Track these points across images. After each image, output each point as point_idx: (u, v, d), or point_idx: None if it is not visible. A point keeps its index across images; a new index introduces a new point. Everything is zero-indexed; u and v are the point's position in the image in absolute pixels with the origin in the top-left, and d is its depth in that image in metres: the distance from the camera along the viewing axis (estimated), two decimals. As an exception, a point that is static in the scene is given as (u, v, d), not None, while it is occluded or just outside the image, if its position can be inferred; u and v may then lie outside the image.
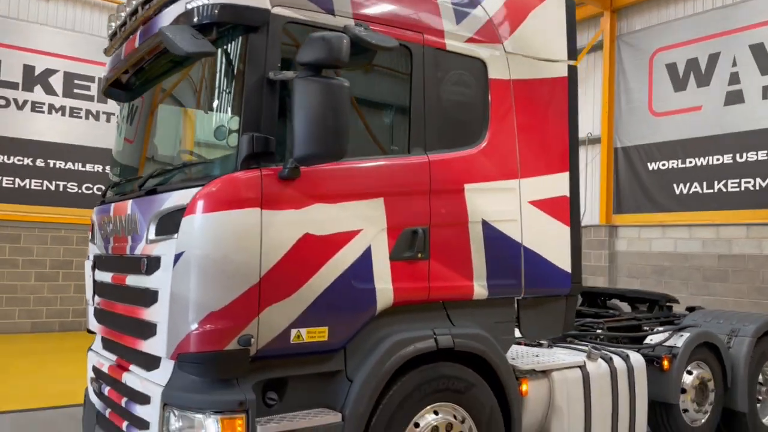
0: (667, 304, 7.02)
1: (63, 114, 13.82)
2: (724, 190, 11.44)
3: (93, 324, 4.68)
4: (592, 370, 4.98)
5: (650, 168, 12.60)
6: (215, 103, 3.83)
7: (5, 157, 13.12)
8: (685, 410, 5.82)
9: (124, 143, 4.86)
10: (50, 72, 13.69)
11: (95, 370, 4.58)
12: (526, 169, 4.62)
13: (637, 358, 5.36)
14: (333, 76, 3.44)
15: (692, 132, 11.95)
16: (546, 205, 4.72)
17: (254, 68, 3.53)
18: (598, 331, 6.01)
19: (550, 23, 4.86)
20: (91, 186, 13.95)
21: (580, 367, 4.92)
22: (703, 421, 5.94)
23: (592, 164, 13.60)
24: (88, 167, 13.98)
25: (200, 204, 3.40)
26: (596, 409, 4.94)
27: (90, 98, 14.09)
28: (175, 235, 3.47)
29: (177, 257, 3.43)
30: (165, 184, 3.85)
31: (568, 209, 4.85)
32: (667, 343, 5.84)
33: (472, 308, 4.36)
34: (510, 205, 4.52)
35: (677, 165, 12.18)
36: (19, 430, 6.40)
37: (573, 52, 4.95)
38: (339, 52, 3.39)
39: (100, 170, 14.03)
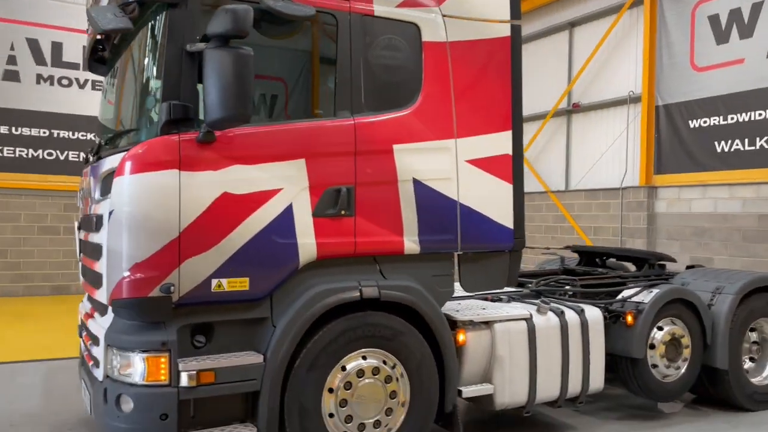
0: (659, 262, 6.94)
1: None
2: (767, 146, 10.92)
3: (80, 279, 5.26)
4: (539, 323, 5.13)
5: (691, 126, 12.13)
6: (145, 75, 4.21)
7: (71, 132, 14.19)
8: (654, 365, 5.84)
9: (99, 113, 5.38)
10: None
11: (81, 319, 5.17)
12: (463, 129, 4.77)
13: (592, 313, 5.45)
14: (238, 46, 3.73)
15: (734, 87, 11.40)
16: (486, 164, 4.87)
17: (174, 42, 3.89)
18: (567, 287, 6.08)
19: (490, -17, 4.93)
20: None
21: (525, 319, 5.07)
22: (676, 377, 5.93)
23: (634, 123, 13.22)
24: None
25: (125, 166, 3.83)
26: (543, 360, 5.10)
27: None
28: (109, 195, 3.91)
29: (110, 215, 3.88)
30: (108, 150, 4.31)
31: (510, 167, 4.97)
32: (636, 299, 5.86)
33: (407, 262, 4.61)
34: (445, 164, 4.69)
35: (719, 122, 11.67)
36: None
37: (516, 11, 5.01)
38: (241, 23, 3.69)
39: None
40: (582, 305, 5.52)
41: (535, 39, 15.92)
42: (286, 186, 4.13)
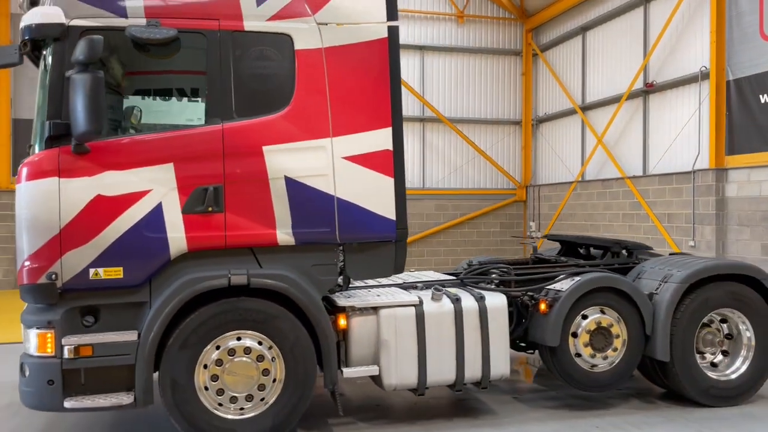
0: (625, 250, 6.69)
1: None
2: (840, 119, 9.77)
3: None
4: (429, 309, 5.31)
5: (762, 101, 11.08)
6: (40, 97, 4.97)
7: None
8: (578, 354, 5.73)
9: None
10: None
11: None
12: (339, 128, 5.10)
13: (493, 300, 5.50)
14: (92, 70, 4.41)
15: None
16: (366, 160, 5.16)
17: (56, 69, 4.66)
18: (493, 276, 6.12)
19: (370, -12, 5.19)
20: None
21: (414, 305, 5.29)
22: (607, 367, 5.77)
23: (706, 101, 12.28)
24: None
25: (20, 176, 4.67)
26: (433, 345, 5.29)
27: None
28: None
29: (17, 215, 4.75)
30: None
31: (391, 162, 5.21)
32: (557, 288, 5.78)
33: (284, 253, 5.06)
34: (320, 162, 5.06)
35: (790, 95, 10.60)
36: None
37: (392, 12, 5.23)
38: (91, 51, 4.38)
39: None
40: (485, 292, 5.59)
41: (607, 20, 15.24)
42: (155, 187, 4.75)
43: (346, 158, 5.12)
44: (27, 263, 4.63)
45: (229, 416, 4.89)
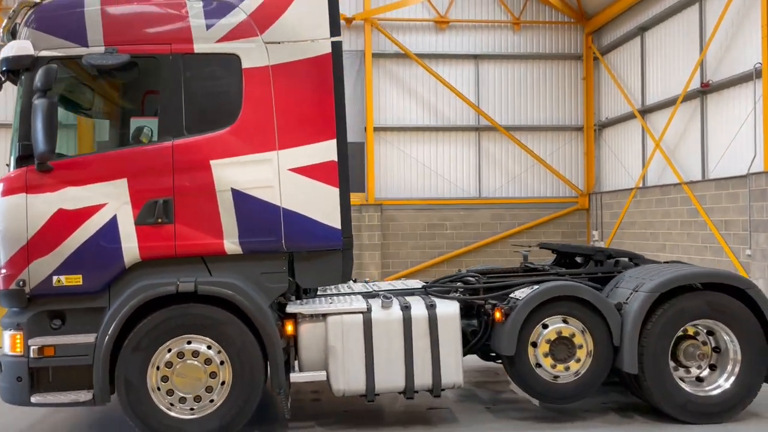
0: (608, 258, 6.44)
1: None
2: None
3: None
4: (377, 317, 5.39)
5: (817, 97, 10.27)
6: (16, 120, 5.44)
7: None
8: (539, 365, 5.58)
9: None
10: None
11: None
12: (285, 141, 5.33)
13: (444, 308, 5.48)
14: (48, 97, 4.88)
15: None
16: (311, 171, 5.35)
17: (27, 96, 5.16)
18: (458, 284, 6.09)
19: (312, 7, 5.39)
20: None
21: (362, 313, 5.38)
22: (570, 378, 5.59)
23: (761, 100, 11.50)
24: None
25: None
26: (380, 352, 5.36)
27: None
28: None
29: None
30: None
31: (336, 172, 5.36)
32: (517, 296, 5.68)
33: (234, 262, 5.32)
34: (266, 174, 5.30)
35: None
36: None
37: (336, 29, 5.40)
38: (44, 79, 4.87)
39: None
40: (438, 300, 5.59)
41: (664, 19, 14.59)
42: (110, 201, 5.16)
43: (292, 170, 5.33)
44: (1, 271, 5.15)
45: (180, 416, 5.18)
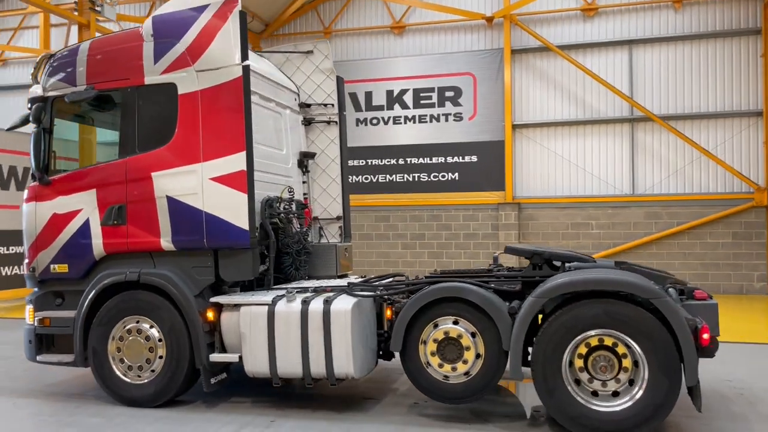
0: (546, 262, 6.10)
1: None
2: None
3: None
4: (279, 309, 6.00)
5: None
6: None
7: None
8: (428, 364, 5.64)
9: None
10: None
11: None
12: (208, 154, 6.24)
13: (339, 304, 5.84)
14: (37, 128, 6.46)
15: None
16: (226, 179, 6.18)
17: (40, 125, 6.83)
18: (382, 283, 6.36)
19: (228, 37, 6.20)
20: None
21: (268, 305, 6.05)
22: (461, 379, 5.57)
23: None
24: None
25: (22, 199, 6.95)
26: (281, 340, 5.96)
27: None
28: None
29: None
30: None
31: (245, 180, 6.11)
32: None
33: (172, 257, 6.39)
34: (192, 183, 6.26)
35: None
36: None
37: (245, 53, 6.14)
38: (33, 114, 6.46)
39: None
40: (339, 298, 5.97)
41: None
42: (84, 207, 6.57)
43: (212, 179, 6.21)
44: (25, 259, 6.89)
45: (129, 381, 6.40)
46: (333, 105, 8.29)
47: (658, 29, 16.35)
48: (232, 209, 6.16)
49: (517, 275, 6.21)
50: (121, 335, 6.43)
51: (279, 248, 6.99)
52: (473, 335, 5.64)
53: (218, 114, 6.23)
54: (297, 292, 6.23)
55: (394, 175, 17.93)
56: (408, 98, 17.88)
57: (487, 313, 5.55)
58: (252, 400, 6.62)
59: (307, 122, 8.30)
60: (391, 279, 6.85)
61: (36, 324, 6.75)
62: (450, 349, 5.67)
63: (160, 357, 6.32)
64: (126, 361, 6.41)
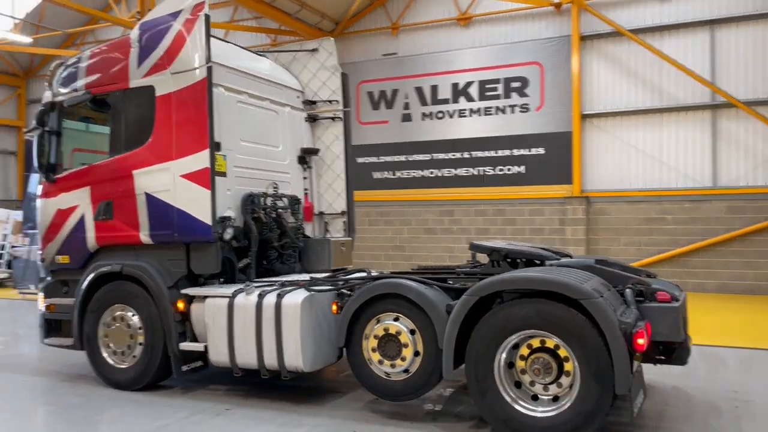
0: (504, 259, 5.84)
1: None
2: None
3: None
4: (237, 302, 6.19)
5: None
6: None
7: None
8: (370, 360, 5.57)
9: None
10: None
11: None
12: (178, 152, 6.55)
13: (290, 298, 5.91)
14: (43, 129, 7.09)
15: None
16: (193, 176, 6.46)
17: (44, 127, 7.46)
18: (345, 278, 6.37)
19: (196, 40, 6.45)
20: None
21: (228, 297, 6.25)
22: (401, 376, 5.51)
23: None
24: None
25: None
26: (238, 331, 6.15)
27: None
28: None
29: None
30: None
31: (209, 177, 6.35)
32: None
33: (151, 250, 6.78)
34: (165, 180, 6.59)
35: None
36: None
37: (208, 55, 6.37)
38: (37, 116, 7.06)
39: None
40: (293, 292, 6.03)
41: None
42: (80, 203, 7.10)
43: (182, 176, 6.50)
44: (39, 251, 7.57)
45: (114, 365, 6.86)
46: (338, 101, 8.39)
47: (744, 5, 14.97)
48: (198, 205, 6.42)
49: (477, 273, 6.04)
50: (108, 322, 6.90)
51: (265, 242, 7.20)
52: (412, 332, 5.54)
53: (187, 114, 6.51)
54: (263, 286, 6.39)
55: (459, 169, 17.70)
56: (473, 90, 17.55)
57: (425, 310, 5.43)
58: (227, 389, 6.86)
59: (313, 119, 8.45)
60: (358, 274, 6.84)
61: (44, 310, 7.40)
62: (390, 345, 5.60)
63: (140, 344, 6.72)
64: (112, 346, 6.87)
